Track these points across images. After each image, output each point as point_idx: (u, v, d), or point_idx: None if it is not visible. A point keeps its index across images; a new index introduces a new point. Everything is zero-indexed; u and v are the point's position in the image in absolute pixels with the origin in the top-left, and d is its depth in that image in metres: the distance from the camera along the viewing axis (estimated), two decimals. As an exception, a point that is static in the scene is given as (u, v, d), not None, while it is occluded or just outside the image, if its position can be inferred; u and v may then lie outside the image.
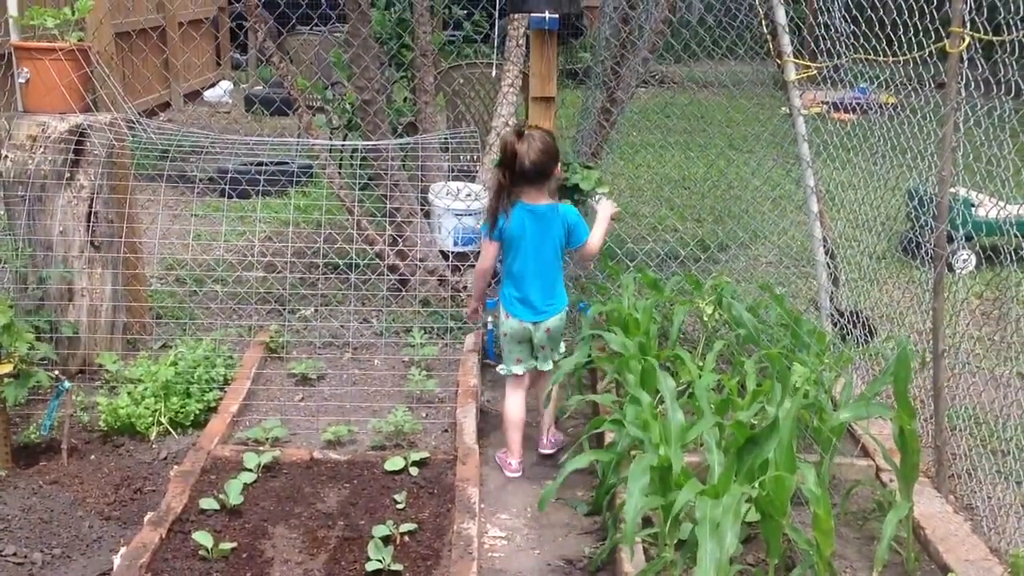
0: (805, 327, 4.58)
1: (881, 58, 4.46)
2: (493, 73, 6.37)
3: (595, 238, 4.37)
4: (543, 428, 4.63)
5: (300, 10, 6.53)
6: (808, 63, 5.00)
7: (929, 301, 4.20)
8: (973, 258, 6.90)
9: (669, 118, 6.43)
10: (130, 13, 10.43)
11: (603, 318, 5.20)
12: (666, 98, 6.30)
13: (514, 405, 4.43)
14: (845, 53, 4.81)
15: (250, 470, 4.09)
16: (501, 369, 4.51)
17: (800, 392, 3.37)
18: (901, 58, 4.30)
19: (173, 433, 4.54)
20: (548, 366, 4.48)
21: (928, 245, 4.31)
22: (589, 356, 4.55)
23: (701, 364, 4.46)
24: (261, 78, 12.64)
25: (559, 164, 4.31)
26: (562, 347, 4.55)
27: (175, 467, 4.12)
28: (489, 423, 4.87)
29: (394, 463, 4.19)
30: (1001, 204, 4.31)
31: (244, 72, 15.27)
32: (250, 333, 5.54)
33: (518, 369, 4.42)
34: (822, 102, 6.47)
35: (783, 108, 8.86)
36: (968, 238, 6.78)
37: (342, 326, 5.68)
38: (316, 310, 5.91)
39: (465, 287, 5.93)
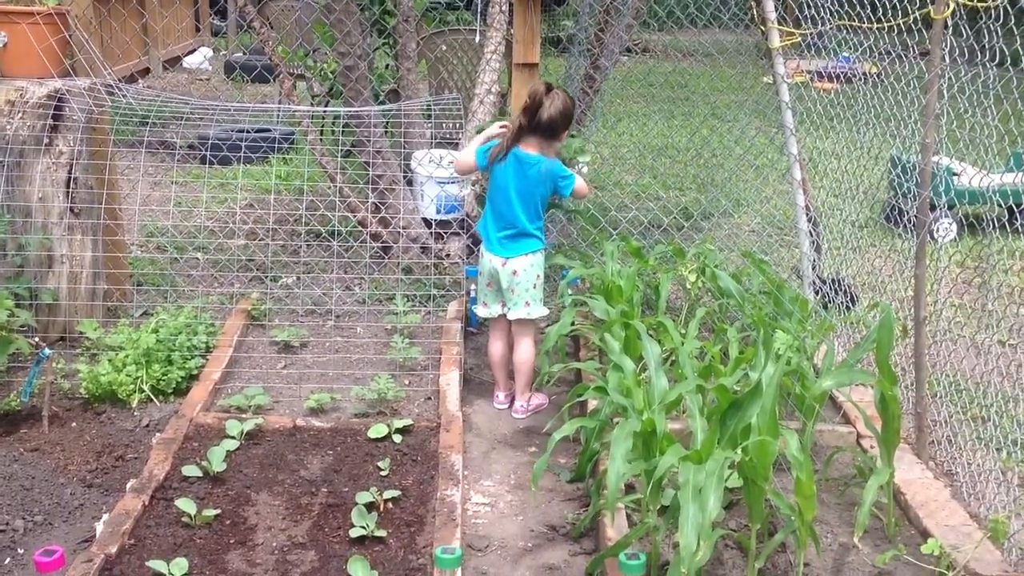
0: (787, 294, 4.59)
1: (865, 25, 4.44)
2: (476, 39, 6.32)
3: (578, 182, 4.59)
4: (517, 392, 4.66)
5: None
6: (792, 30, 4.98)
7: (911, 269, 4.21)
8: (955, 226, 6.93)
9: (652, 86, 6.41)
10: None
11: (586, 284, 5.20)
12: (649, 66, 6.27)
13: (493, 346, 4.73)
14: (829, 20, 4.79)
15: (233, 437, 4.08)
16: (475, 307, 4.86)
17: (783, 358, 3.38)
18: (885, 25, 4.29)
19: (155, 400, 4.52)
20: (517, 313, 4.53)
21: (911, 212, 4.31)
22: (572, 323, 4.56)
23: (684, 331, 4.47)
24: (242, 44, 12.54)
25: (567, 131, 4.52)
26: (538, 299, 4.57)
27: (157, 434, 4.11)
28: (472, 390, 4.87)
29: (377, 430, 4.19)
30: (983, 172, 4.31)
31: (224, 38, 15.13)
32: (232, 301, 5.51)
33: (481, 311, 4.70)
34: (805, 71, 6.46)
35: (765, 77, 8.84)
36: (950, 206, 6.80)
37: (324, 294, 5.66)
38: (298, 278, 5.89)
39: (448, 255, 5.92)
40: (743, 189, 7.06)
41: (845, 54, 5.23)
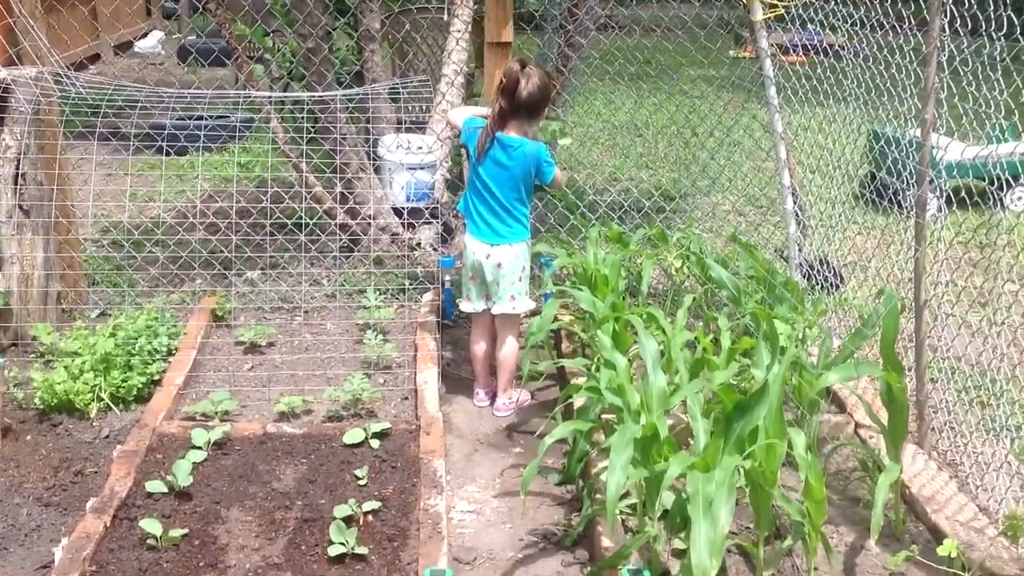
0: (779, 279, 4.39)
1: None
2: (445, 18, 6.06)
3: (557, 171, 4.39)
4: (499, 389, 4.44)
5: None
6: (775, 2, 4.77)
7: (906, 250, 4.02)
8: (935, 202, 6.75)
9: (623, 63, 6.16)
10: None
11: (567, 272, 4.99)
12: (628, 42, 6.03)
13: (475, 342, 4.50)
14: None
15: (199, 447, 3.84)
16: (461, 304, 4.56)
17: (788, 354, 3.18)
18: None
19: (115, 409, 4.25)
20: (503, 307, 4.33)
21: (900, 189, 4.15)
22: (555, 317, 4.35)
23: (671, 320, 4.28)
24: (196, 27, 12.16)
25: (546, 108, 4.31)
26: (524, 291, 4.35)
27: (118, 447, 3.86)
28: (451, 387, 4.64)
29: (353, 435, 3.96)
30: (966, 146, 4.09)
31: (177, 21, 14.72)
32: (194, 299, 5.25)
33: (465, 306, 4.47)
34: (772, 44, 6.23)
35: (731, 51, 8.62)
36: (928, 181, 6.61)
37: (291, 289, 5.40)
38: (263, 271, 5.62)
39: (419, 244, 5.68)
40: (721, 166, 6.85)
41: (811, 27, 5.00)
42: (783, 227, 5.24)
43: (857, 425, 4.09)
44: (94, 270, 5.52)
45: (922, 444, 3.95)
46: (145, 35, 13.47)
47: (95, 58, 11.70)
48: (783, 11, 4.71)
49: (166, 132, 6.21)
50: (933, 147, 6.01)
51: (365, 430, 3.98)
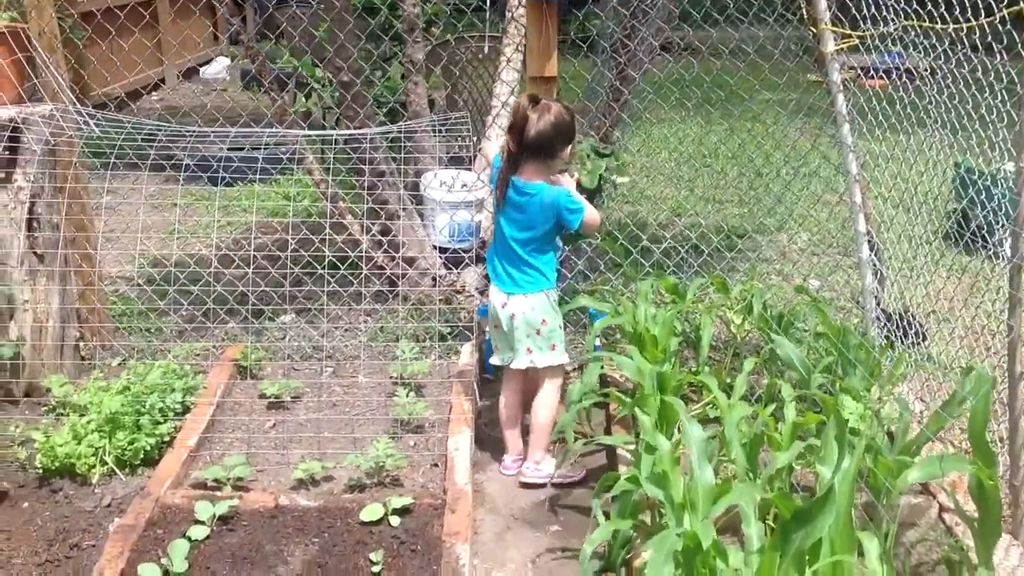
0: (851, 341, 3.91)
1: (939, 26, 3.75)
2: (485, 49, 5.68)
3: (588, 214, 3.87)
4: (528, 451, 4.03)
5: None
6: (849, 32, 4.30)
7: (1002, 298, 3.53)
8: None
9: (696, 88, 5.70)
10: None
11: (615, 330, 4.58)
12: (689, 67, 5.59)
13: (502, 400, 4.12)
14: (893, 20, 4.09)
15: (202, 522, 3.49)
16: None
17: (859, 447, 2.72)
18: (964, 25, 3.60)
19: (119, 473, 3.93)
20: (519, 362, 3.93)
21: (995, 239, 3.67)
22: (600, 376, 3.94)
23: (730, 383, 3.84)
24: (263, 54, 12.00)
25: (569, 146, 3.84)
26: (546, 346, 3.92)
27: (116, 520, 3.53)
28: (488, 449, 4.25)
29: (372, 511, 3.57)
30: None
31: (242, 47, 14.64)
32: (219, 347, 4.92)
33: (494, 359, 4.13)
34: (850, 67, 5.74)
35: (810, 75, 8.10)
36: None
37: (322, 336, 5.05)
38: (297, 315, 5.27)
39: (463, 287, 5.30)
40: (793, 202, 6.36)
41: (894, 49, 4.51)
42: (859, 271, 4.74)
43: (942, 508, 3.59)
44: (116, 316, 5.22)
45: (1017, 534, 3.43)
46: (210, 61, 13.38)
47: (159, 85, 11.60)
48: (857, 41, 4.24)
49: (183, 167, 5.86)
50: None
51: (385, 505, 3.59)
